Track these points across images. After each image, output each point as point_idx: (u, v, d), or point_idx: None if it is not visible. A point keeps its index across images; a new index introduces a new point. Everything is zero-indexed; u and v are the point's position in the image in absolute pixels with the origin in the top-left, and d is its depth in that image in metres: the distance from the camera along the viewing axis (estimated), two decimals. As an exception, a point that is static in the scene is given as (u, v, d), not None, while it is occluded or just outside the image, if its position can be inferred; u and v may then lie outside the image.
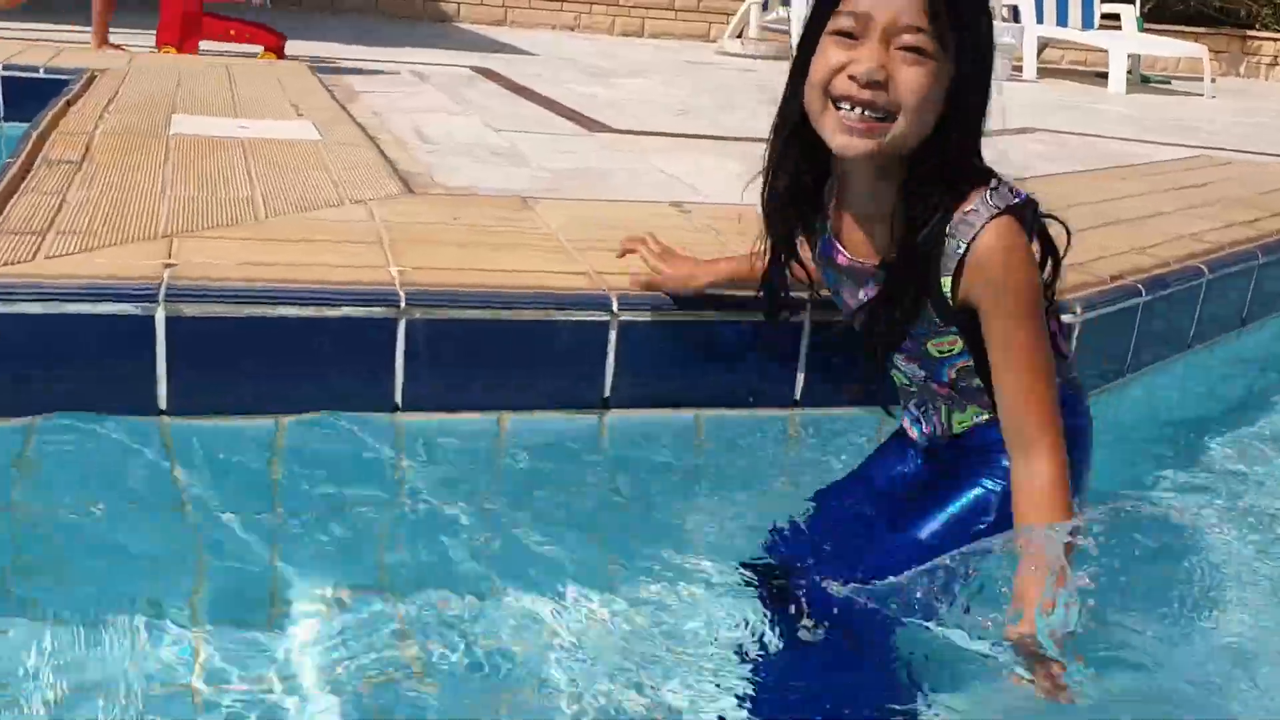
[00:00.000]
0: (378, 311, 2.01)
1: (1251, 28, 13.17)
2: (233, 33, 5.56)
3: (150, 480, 1.89)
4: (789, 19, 9.48)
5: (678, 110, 5.61)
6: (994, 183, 1.57)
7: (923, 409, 1.81)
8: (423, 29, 9.56)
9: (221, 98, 4.19)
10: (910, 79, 1.49)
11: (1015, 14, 10.28)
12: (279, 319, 1.97)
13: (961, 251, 1.54)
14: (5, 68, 4.48)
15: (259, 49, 5.78)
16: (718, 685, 1.58)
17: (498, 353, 2.09)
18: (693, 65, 8.48)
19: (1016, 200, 1.56)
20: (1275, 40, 12.86)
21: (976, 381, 1.68)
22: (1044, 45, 10.69)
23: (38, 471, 1.88)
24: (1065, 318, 2.33)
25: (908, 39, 1.49)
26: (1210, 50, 13.27)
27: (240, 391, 1.99)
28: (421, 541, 1.88)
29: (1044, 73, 10.62)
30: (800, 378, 2.25)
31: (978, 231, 1.53)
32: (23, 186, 2.59)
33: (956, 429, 1.77)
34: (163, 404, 1.95)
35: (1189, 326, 2.88)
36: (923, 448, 1.85)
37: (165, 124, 3.50)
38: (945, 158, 1.55)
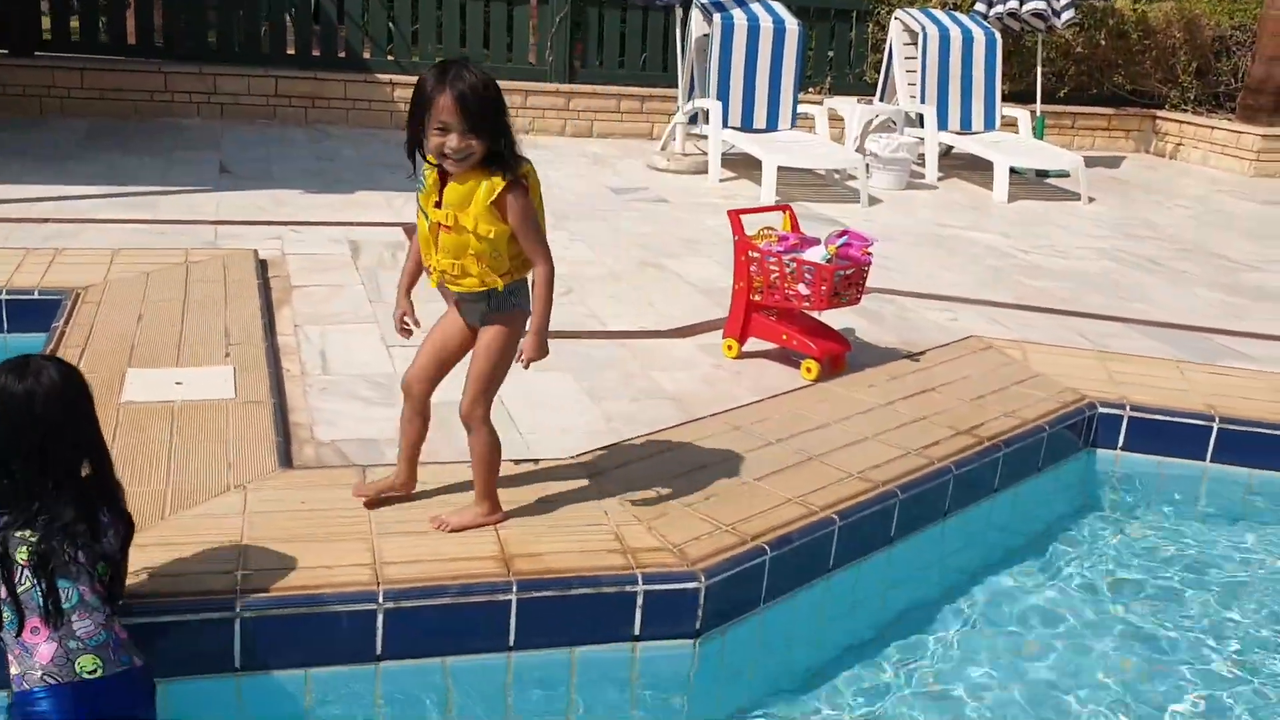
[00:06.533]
0: (216, 615, 3.22)
1: (1161, 108, 14.28)
2: (784, 337, 5.56)
3: None
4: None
5: (562, 290, 6.77)
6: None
7: None
8: (385, 136, 10.79)
9: (172, 333, 5.30)
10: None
11: (921, 119, 11.45)
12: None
13: None
14: (8, 293, 5.71)
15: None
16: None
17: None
18: (617, 195, 9.66)
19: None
20: (1180, 123, 13.96)
21: None
22: (948, 148, 11.85)
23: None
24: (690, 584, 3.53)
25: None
26: (1122, 130, 14.42)
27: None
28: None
29: (954, 168, 11.78)
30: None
31: None
32: None
33: None
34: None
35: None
36: None
37: (120, 383, 4.68)
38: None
